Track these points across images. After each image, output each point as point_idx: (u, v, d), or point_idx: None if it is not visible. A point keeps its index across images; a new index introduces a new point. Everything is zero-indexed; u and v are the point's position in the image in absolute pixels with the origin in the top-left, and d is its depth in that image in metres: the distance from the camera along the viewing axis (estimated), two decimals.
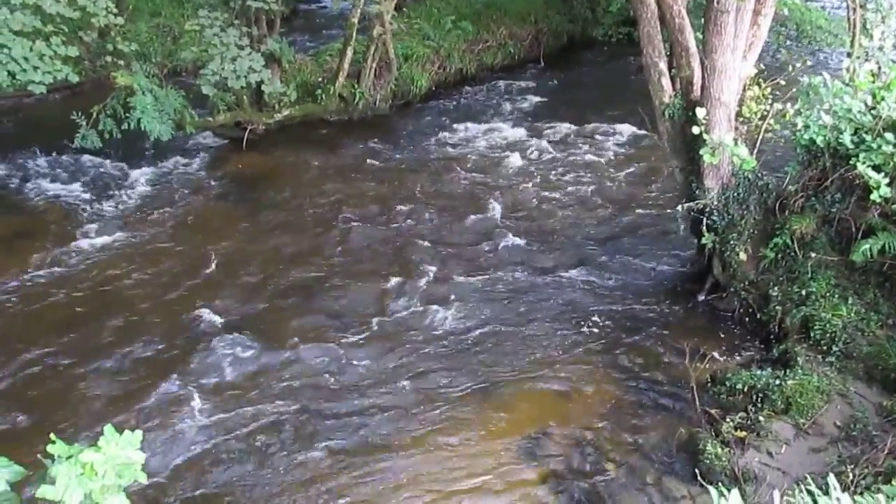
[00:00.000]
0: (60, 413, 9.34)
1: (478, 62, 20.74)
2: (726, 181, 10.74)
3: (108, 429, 4.44)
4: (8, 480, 4.35)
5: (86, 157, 15.45)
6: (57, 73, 12.72)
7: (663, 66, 10.88)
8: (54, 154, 15.61)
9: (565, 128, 17.55)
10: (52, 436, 4.49)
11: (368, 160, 16.26)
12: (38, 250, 12.61)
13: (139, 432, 4.46)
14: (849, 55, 13.03)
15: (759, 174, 10.68)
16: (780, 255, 10.49)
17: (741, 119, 10.75)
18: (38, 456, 4.56)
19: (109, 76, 14.29)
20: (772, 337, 10.40)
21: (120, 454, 4.33)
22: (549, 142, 16.97)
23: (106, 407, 9.49)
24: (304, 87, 17.66)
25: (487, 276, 12.21)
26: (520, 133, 17.42)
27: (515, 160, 16.12)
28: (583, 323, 11.11)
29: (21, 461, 4.55)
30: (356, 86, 17.94)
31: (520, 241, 13.20)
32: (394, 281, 12.10)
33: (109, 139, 14.59)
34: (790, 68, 11.56)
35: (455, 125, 17.82)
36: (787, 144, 11.17)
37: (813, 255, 10.23)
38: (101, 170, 15.36)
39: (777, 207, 10.60)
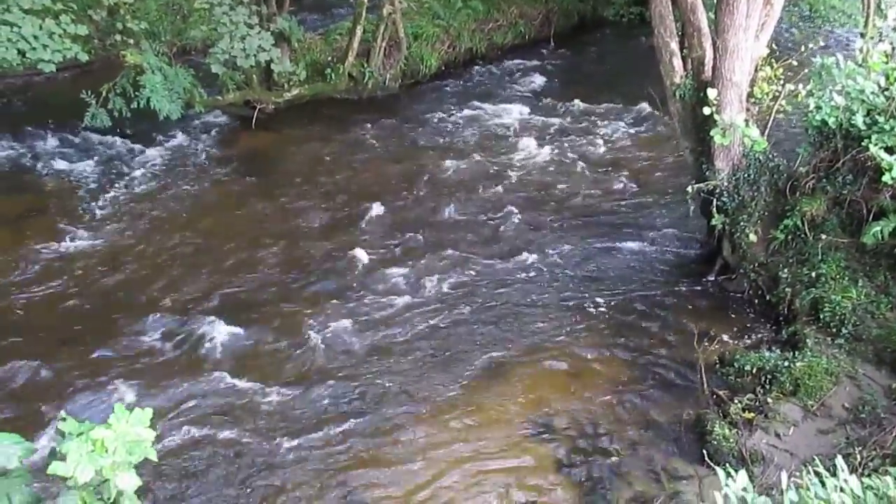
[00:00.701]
0: (69, 391, 9.41)
1: (488, 42, 20.62)
2: (737, 162, 10.68)
3: (118, 406, 4.47)
4: (19, 457, 4.38)
5: (95, 136, 15.49)
6: (66, 52, 12.74)
7: (675, 46, 10.81)
8: (64, 133, 15.65)
9: (575, 108, 17.47)
10: (63, 413, 4.52)
11: (377, 139, 16.23)
12: (48, 228, 12.67)
13: (149, 410, 4.49)
14: (862, 35, 12.96)
15: (770, 155, 10.61)
16: (790, 237, 10.45)
17: (753, 100, 10.68)
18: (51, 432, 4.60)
19: (119, 55, 14.30)
20: (781, 319, 10.38)
21: (130, 431, 4.36)
22: (559, 122, 16.90)
23: (112, 383, 9.57)
24: (313, 66, 17.62)
25: (496, 256, 12.21)
26: (529, 113, 17.35)
27: (525, 140, 16.05)
28: (591, 303, 11.11)
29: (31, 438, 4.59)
30: (366, 65, 17.88)
31: (529, 221, 13.18)
32: (401, 259, 12.11)
33: (119, 118, 14.65)
34: (803, 48, 11.46)
35: (464, 105, 17.76)
36: (799, 125, 11.09)
37: (823, 237, 10.18)
38: (111, 148, 15.38)
39: (788, 189, 10.54)
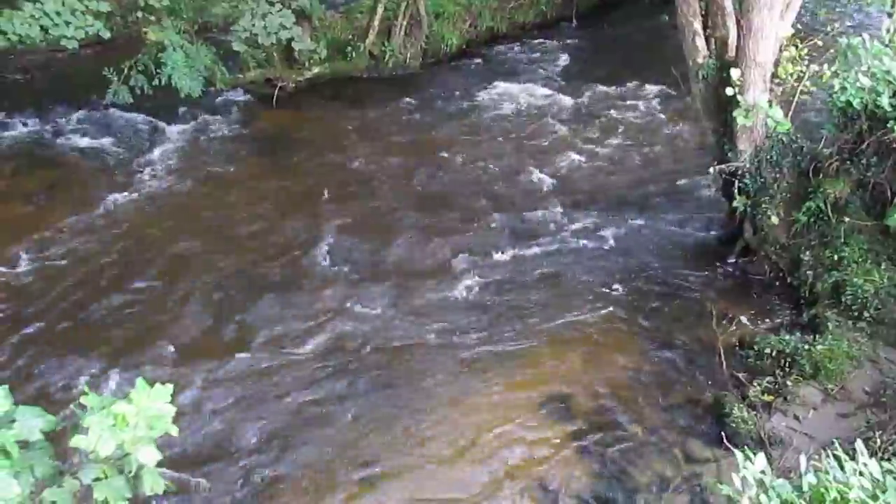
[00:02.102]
0: (92, 362, 9.51)
1: (509, 20, 20.46)
2: (760, 143, 10.57)
3: (140, 381, 4.50)
4: (41, 429, 4.43)
5: (117, 113, 15.56)
6: (89, 28, 12.79)
7: (698, 25, 10.69)
8: (86, 109, 15.73)
9: (597, 88, 17.35)
10: (86, 387, 4.56)
11: (398, 118, 16.21)
12: (70, 203, 12.77)
13: (170, 385, 4.52)
14: (889, 15, 12.72)
15: (794, 137, 10.50)
16: (812, 220, 10.35)
17: (776, 80, 10.54)
18: (72, 406, 4.64)
19: (141, 32, 14.33)
20: (802, 301, 10.31)
21: (151, 406, 4.39)
22: (581, 102, 16.80)
23: (133, 355, 9.69)
24: (334, 45, 17.58)
25: (516, 236, 12.18)
26: (551, 93, 17.24)
27: (546, 120, 15.98)
28: (611, 283, 11.08)
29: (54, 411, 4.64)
30: (386, 43, 17.83)
31: (549, 201, 13.13)
32: (421, 240, 12.11)
33: (140, 95, 14.70)
34: (828, 28, 11.31)
35: (486, 84, 17.67)
36: (823, 107, 10.96)
37: (846, 219, 10.09)
38: (132, 125, 15.45)
39: (811, 171, 10.43)
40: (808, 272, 10.26)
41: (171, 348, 9.85)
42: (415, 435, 8.62)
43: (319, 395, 9.20)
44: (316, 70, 17.11)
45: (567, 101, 16.83)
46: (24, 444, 4.39)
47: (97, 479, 4.43)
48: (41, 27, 12.33)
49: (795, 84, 10.53)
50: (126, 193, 13.17)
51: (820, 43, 10.80)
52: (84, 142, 14.76)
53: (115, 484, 4.45)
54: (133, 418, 4.32)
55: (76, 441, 4.24)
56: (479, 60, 19.20)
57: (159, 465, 4.50)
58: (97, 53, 17.28)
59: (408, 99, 16.97)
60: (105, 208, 12.71)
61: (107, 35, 13.25)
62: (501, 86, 17.55)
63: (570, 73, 18.41)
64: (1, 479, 3.92)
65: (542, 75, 18.33)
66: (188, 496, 7.62)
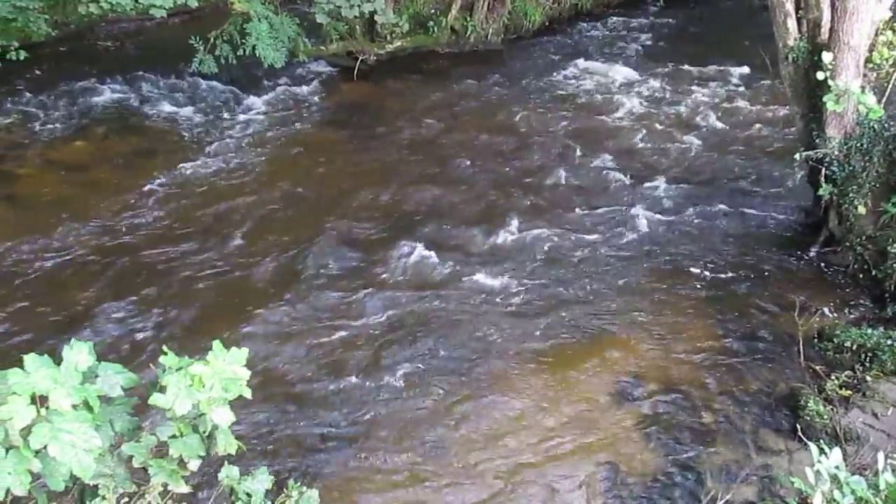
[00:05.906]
0: (171, 323, 9.75)
1: None
2: (850, 130, 10.25)
3: (217, 344, 4.59)
4: (122, 386, 4.57)
5: (202, 81, 15.87)
6: None
7: (790, 6, 10.38)
8: (172, 77, 16.07)
9: (682, 68, 17.05)
10: (164, 347, 4.68)
11: (478, 94, 16.16)
12: (156, 168, 13.07)
13: (245, 349, 4.61)
14: None
15: (887, 124, 10.13)
16: None
17: (871, 65, 10.19)
18: (151, 366, 4.77)
19: (227, 2, 14.55)
20: (886, 295, 10.00)
21: (227, 369, 4.49)
22: (665, 82, 16.52)
23: (211, 319, 9.85)
24: (416, 19, 17.61)
25: (592, 216, 12.06)
26: (635, 72, 17.00)
27: (628, 100, 15.76)
28: (688, 266, 10.91)
29: (135, 369, 4.77)
30: (468, 18, 17.78)
31: (629, 182, 12.96)
32: (497, 216, 12.06)
33: (225, 64, 14.95)
34: None
35: (568, 62, 17.50)
36: None
37: None
38: (216, 94, 15.72)
39: None
40: (894, 265, 9.93)
41: (247, 311, 10.02)
42: (484, 421, 8.58)
43: (388, 359, 9.28)
44: (397, 44, 17.16)
45: (650, 80, 16.58)
46: (105, 400, 4.53)
47: (173, 437, 4.56)
48: None
49: (891, 70, 10.18)
50: (210, 160, 13.42)
51: None
52: (170, 109, 15.09)
53: (189, 442, 4.57)
54: (209, 380, 4.42)
55: (154, 399, 4.36)
56: (561, 38, 19.02)
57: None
58: (184, 22, 17.66)
59: (488, 74, 16.91)
60: (190, 174, 12.96)
61: (194, 4, 13.52)
62: (583, 63, 17.37)
63: (654, 52, 18.12)
64: (83, 432, 4.06)
65: (626, 54, 18.08)
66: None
